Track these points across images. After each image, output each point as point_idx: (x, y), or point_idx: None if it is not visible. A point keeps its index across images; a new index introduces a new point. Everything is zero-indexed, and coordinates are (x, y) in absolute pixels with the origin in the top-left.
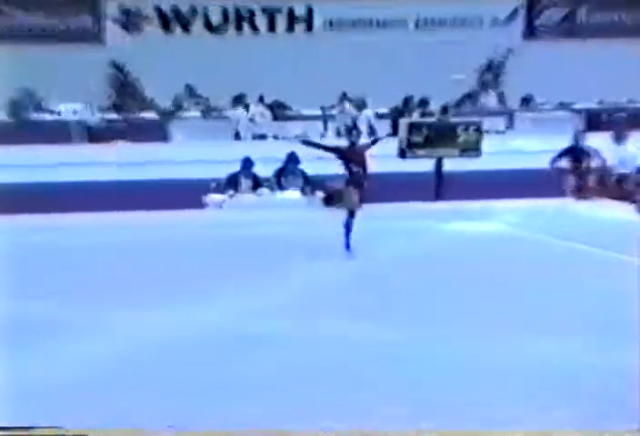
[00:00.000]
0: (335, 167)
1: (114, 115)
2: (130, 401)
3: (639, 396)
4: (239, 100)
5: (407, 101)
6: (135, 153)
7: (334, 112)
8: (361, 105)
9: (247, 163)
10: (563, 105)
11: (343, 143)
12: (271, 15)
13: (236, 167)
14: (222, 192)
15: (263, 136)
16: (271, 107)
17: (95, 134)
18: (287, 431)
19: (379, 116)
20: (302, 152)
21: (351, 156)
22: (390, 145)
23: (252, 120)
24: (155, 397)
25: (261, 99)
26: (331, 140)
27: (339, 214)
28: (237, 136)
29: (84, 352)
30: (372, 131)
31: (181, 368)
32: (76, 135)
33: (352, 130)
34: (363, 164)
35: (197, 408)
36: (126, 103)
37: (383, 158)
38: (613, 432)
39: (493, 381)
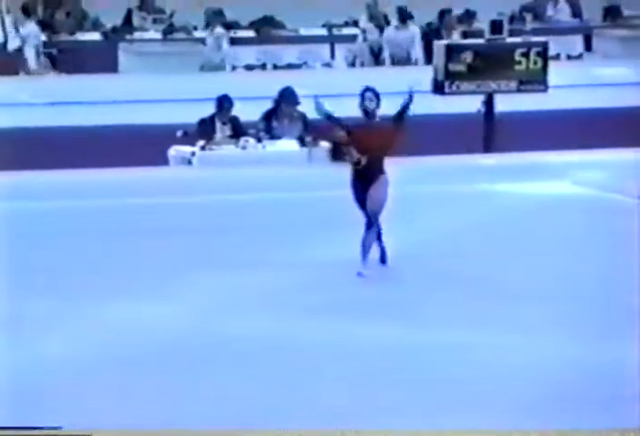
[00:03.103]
0: (346, 107)
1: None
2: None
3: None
4: (215, 17)
5: (444, 14)
6: (71, 88)
7: (343, 31)
8: (382, 24)
9: (225, 103)
10: None
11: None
12: None
13: (210, 109)
14: (191, 142)
15: (249, 67)
16: (256, 27)
17: (11, 63)
18: (287, 431)
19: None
20: (303, 86)
21: (358, 137)
22: (423, 76)
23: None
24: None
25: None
26: (340, 73)
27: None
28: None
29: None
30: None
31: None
32: None
33: (377, 54)
34: (372, 151)
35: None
36: (57, 19)
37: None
38: (613, 432)
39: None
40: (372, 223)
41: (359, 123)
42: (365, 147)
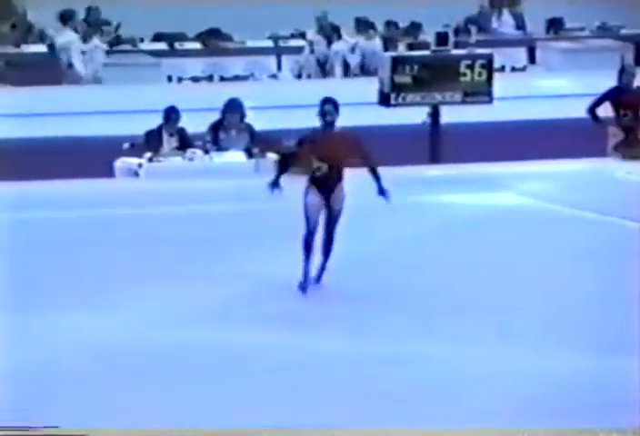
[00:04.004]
0: (293, 119)
1: None
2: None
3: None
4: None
5: (390, 26)
6: (18, 99)
7: (290, 43)
8: (330, 35)
9: (172, 115)
10: (605, 30)
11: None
12: None
13: (157, 120)
14: (138, 154)
15: (195, 78)
16: (203, 39)
17: None
18: (286, 431)
19: (351, 49)
20: (249, 97)
21: (318, 146)
22: (368, 88)
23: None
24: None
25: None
26: (287, 84)
27: (299, 183)
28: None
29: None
30: (347, 69)
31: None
32: None
33: (324, 66)
34: (330, 160)
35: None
36: (2, 31)
37: (359, 106)
38: (613, 431)
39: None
40: (312, 233)
41: (318, 132)
42: (324, 156)
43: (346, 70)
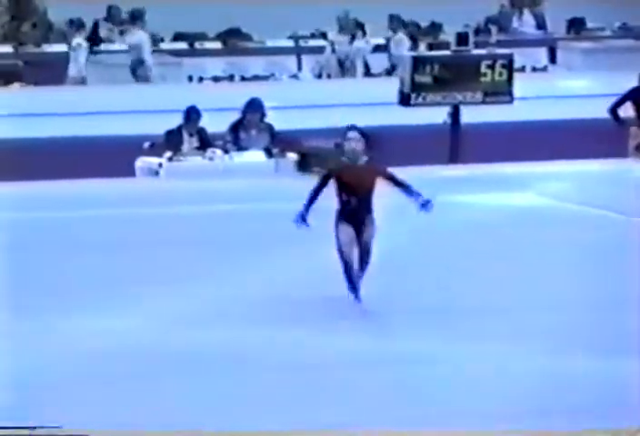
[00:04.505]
0: (313, 119)
1: (5, 48)
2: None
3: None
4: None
5: (410, 26)
6: (37, 99)
7: (310, 43)
8: (355, 32)
9: (192, 114)
10: (626, 30)
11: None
12: None
13: (178, 120)
14: (158, 154)
15: (216, 78)
16: (223, 39)
17: None
18: (287, 431)
19: (373, 49)
20: (270, 97)
21: (345, 177)
22: (388, 87)
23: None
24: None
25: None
26: (307, 85)
27: None
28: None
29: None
30: (367, 69)
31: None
32: None
33: (344, 66)
34: (361, 192)
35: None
36: (22, 29)
37: (378, 106)
38: (613, 432)
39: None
40: (351, 267)
41: (344, 166)
42: (353, 188)
43: (367, 70)
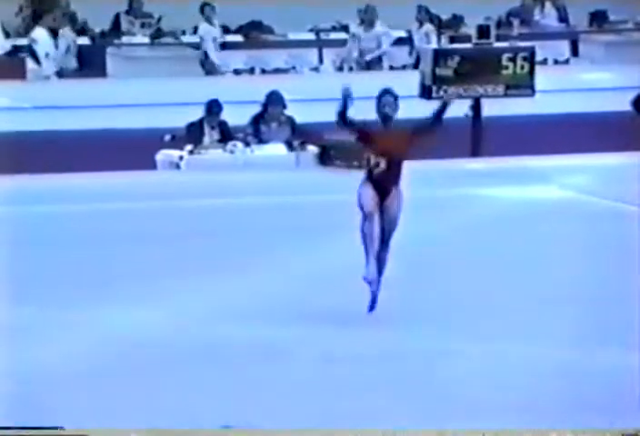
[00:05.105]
0: (334, 112)
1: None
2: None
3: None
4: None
5: (432, 19)
6: (59, 92)
7: (331, 36)
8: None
9: (214, 108)
10: None
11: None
12: None
13: (198, 113)
14: (179, 147)
15: (237, 71)
16: (244, 32)
17: (0, 67)
18: (289, 431)
19: (394, 42)
20: (290, 90)
21: (376, 140)
22: (409, 80)
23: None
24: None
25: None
26: (328, 77)
27: (339, 177)
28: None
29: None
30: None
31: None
32: None
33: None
34: (390, 156)
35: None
36: (45, 23)
37: (400, 99)
38: (613, 432)
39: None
40: (371, 221)
41: (377, 129)
42: (383, 151)
43: (388, 63)
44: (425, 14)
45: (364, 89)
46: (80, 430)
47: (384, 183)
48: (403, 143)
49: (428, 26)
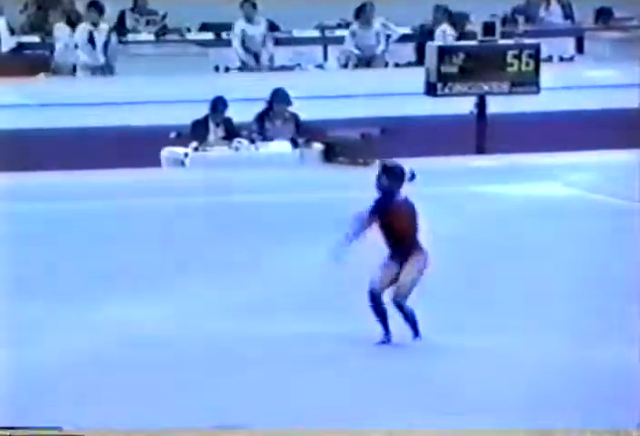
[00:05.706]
0: (339, 109)
1: (32, 38)
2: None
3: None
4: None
5: (437, 16)
6: (64, 90)
7: (337, 33)
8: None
9: (219, 105)
10: None
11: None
12: None
13: (204, 110)
14: (184, 144)
15: (242, 68)
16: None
17: (5, 64)
18: (289, 431)
19: (398, 39)
20: (296, 88)
21: (386, 220)
22: (414, 77)
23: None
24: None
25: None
26: (333, 75)
27: (344, 174)
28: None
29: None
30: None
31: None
32: None
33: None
34: (398, 225)
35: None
36: (49, 19)
37: (405, 96)
38: (613, 432)
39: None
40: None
41: (384, 205)
42: (394, 229)
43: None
44: (442, 14)
45: (367, 87)
46: (78, 430)
47: (403, 253)
48: (412, 219)
49: (445, 26)
